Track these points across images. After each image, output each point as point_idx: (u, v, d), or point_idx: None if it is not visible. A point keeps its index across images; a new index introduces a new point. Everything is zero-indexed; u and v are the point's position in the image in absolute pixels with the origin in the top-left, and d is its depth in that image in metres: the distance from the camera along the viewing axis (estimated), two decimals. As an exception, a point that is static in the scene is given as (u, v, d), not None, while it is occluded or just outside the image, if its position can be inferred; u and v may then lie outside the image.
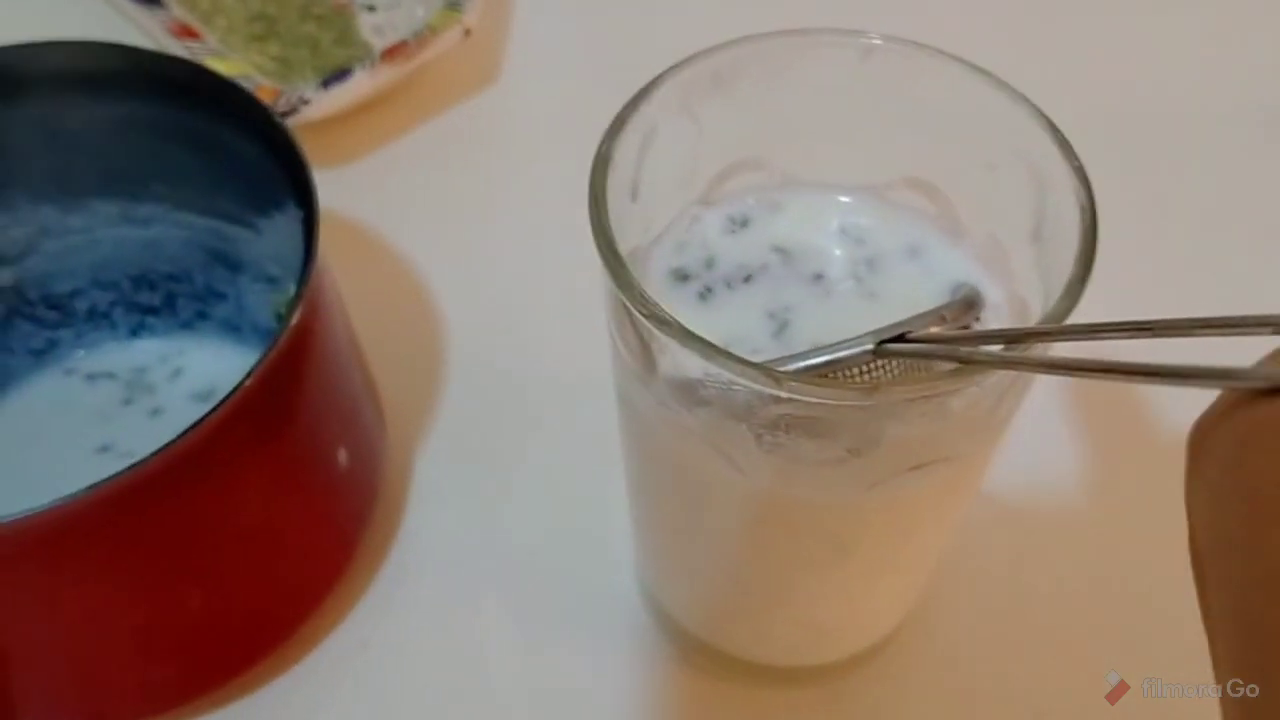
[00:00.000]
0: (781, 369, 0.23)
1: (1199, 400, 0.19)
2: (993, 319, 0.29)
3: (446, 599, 0.38)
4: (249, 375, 0.29)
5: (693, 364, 0.23)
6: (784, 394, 0.22)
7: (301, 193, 0.33)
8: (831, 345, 0.24)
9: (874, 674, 0.36)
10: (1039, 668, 0.36)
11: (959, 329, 0.26)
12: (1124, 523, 0.39)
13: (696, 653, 0.36)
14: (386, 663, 0.36)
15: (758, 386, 0.22)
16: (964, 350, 0.23)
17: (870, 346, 0.24)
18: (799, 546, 0.29)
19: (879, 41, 0.28)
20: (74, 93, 0.36)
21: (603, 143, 0.26)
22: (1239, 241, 0.48)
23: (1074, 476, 0.40)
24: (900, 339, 0.24)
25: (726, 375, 0.22)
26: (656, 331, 0.23)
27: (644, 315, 0.23)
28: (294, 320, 0.30)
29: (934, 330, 0.25)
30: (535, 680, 0.36)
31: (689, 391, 0.25)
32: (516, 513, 0.40)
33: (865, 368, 0.24)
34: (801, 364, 0.24)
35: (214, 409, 0.28)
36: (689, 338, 0.23)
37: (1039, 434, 0.37)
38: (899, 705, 0.36)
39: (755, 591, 0.31)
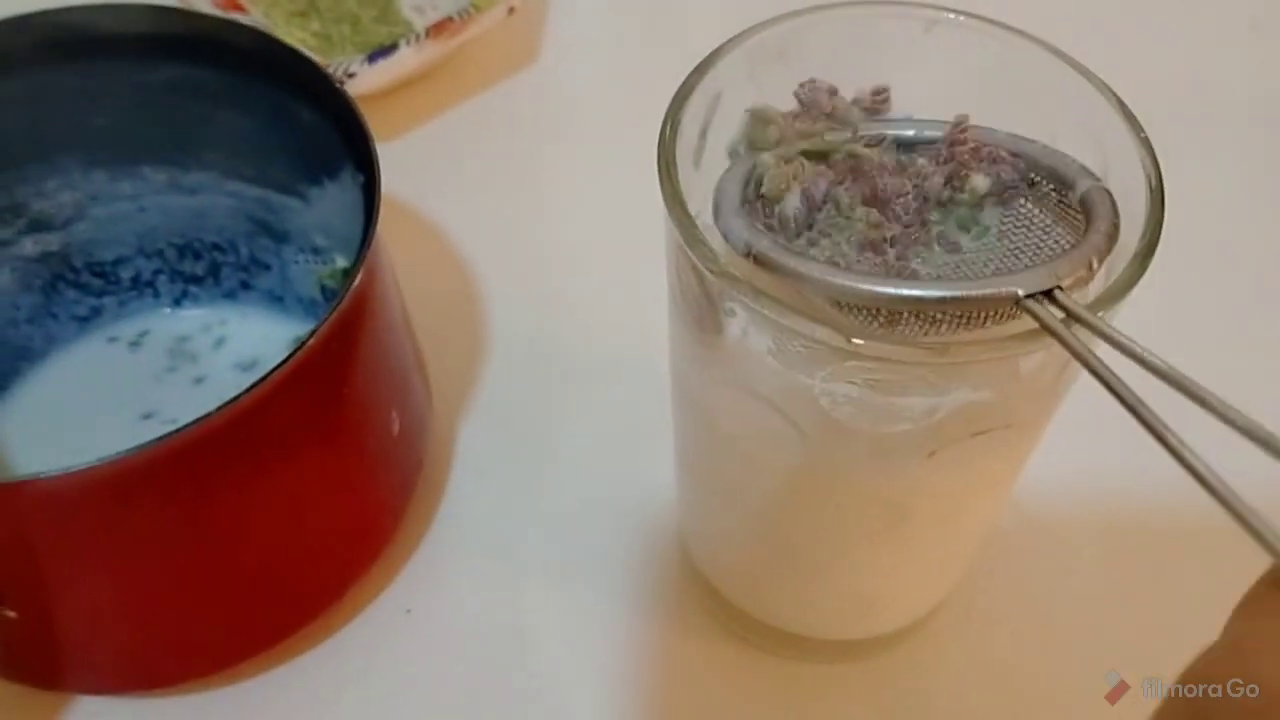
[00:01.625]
0: (897, 291, 0.23)
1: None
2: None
3: (489, 567, 0.38)
4: (311, 335, 0.29)
5: (764, 325, 0.23)
6: (854, 350, 0.23)
7: (360, 160, 0.34)
8: (975, 281, 0.24)
9: (909, 652, 0.36)
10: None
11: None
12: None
13: (739, 624, 0.36)
14: (430, 629, 0.37)
15: (830, 342, 0.23)
16: (1118, 336, 0.21)
17: (1018, 293, 0.23)
18: (855, 514, 0.29)
19: (944, 14, 0.29)
20: (131, 57, 0.37)
21: (671, 107, 0.27)
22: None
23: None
24: (1050, 295, 0.23)
25: (796, 334, 0.23)
26: (728, 290, 0.24)
27: (716, 275, 0.24)
28: (355, 284, 0.30)
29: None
30: (576, 649, 0.37)
31: (752, 351, 0.25)
32: (558, 482, 0.40)
33: (996, 313, 0.23)
34: (937, 293, 0.23)
35: (277, 367, 0.29)
36: (754, 292, 0.23)
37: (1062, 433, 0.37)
38: (938, 682, 0.36)
39: (805, 561, 0.32)
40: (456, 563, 0.38)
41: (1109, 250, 0.25)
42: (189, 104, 0.38)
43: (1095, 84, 0.27)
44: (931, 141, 0.28)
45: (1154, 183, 0.25)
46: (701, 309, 0.26)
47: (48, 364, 0.42)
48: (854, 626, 0.35)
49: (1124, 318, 0.25)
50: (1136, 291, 0.24)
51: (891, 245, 0.26)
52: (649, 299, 0.34)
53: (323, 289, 0.42)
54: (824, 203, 0.26)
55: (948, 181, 0.27)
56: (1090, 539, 0.39)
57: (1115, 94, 0.27)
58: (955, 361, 0.23)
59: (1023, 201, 0.27)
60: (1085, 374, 0.26)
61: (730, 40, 0.28)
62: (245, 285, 0.44)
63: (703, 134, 0.28)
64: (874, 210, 0.26)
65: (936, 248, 0.26)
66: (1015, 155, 0.27)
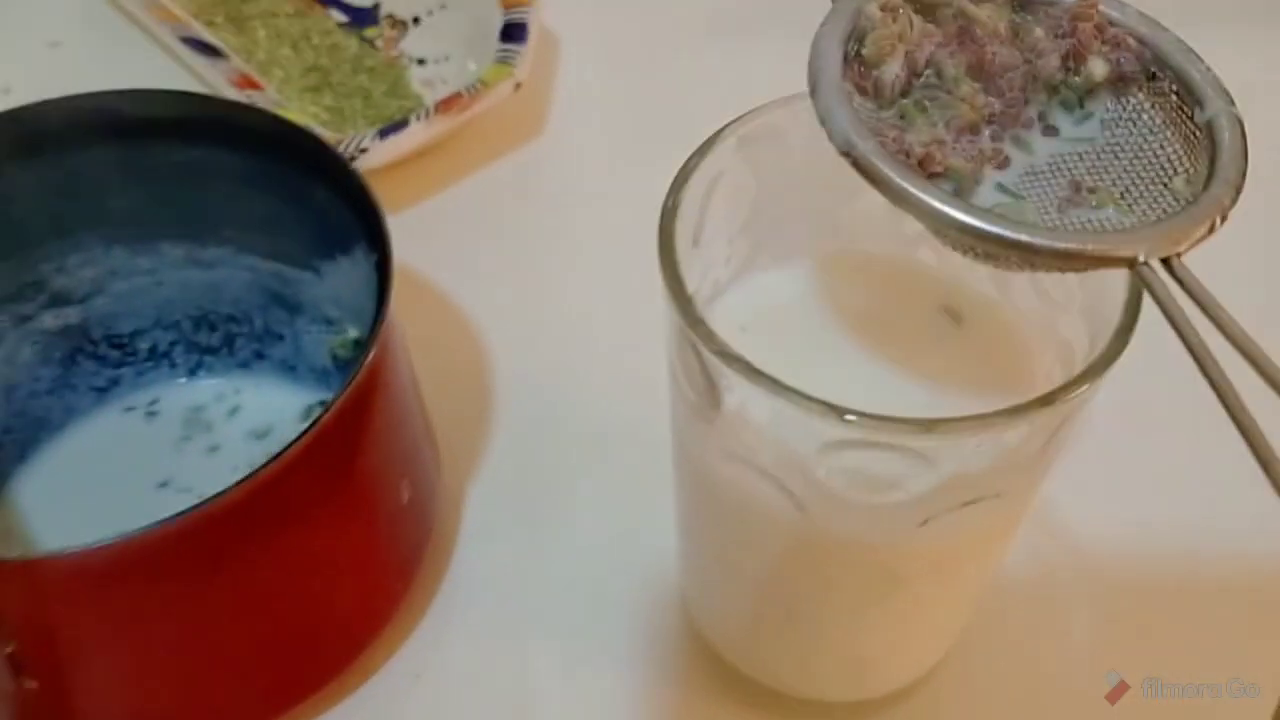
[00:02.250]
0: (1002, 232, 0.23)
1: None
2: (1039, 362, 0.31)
3: (496, 631, 0.39)
4: (326, 409, 0.30)
5: (761, 400, 0.25)
6: (846, 429, 0.24)
7: (372, 236, 0.35)
8: (1090, 236, 0.23)
9: (913, 710, 0.37)
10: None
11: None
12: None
13: (741, 687, 0.37)
14: (438, 694, 0.38)
15: (822, 420, 0.24)
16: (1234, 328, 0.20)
17: (1137, 257, 0.22)
18: (851, 580, 0.30)
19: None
20: (153, 139, 0.38)
21: (671, 189, 0.28)
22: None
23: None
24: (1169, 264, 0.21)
25: (792, 410, 0.24)
26: (725, 368, 0.25)
27: (713, 353, 0.25)
28: (369, 358, 0.32)
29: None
30: (582, 712, 0.37)
31: (751, 427, 0.26)
32: (564, 547, 0.41)
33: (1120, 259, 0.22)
34: (1047, 243, 0.22)
35: (294, 441, 0.30)
36: (753, 372, 0.24)
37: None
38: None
39: (803, 625, 0.33)
40: (464, 627, 0.39)
41: (1233, 204, 0.23)
42: (207, 183, 0.40)
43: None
44: (1053, 3, 0.26)
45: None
46: (699, 384, 0.27)
47: (66, 434, 0.43)
48: (854, 688, 0.36)
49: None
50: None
51: (989, 124, 0.25)
52: (652, 367, 0.35)
53: (334, 358, 0.44)
54: (926, 67, 0.25)
55: (1064, 61, 0.25)
56: (1084, 599, 0.40)
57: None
58: (944, 437, 0.24)
59: (1139, 95, 0.25)
60: (1073, 442, 0.27)
61: (729, 124, 0.29)
62: (259, 355, 0.45)
63: (702, 212, 0.29)
64: (976, 84, 0.25)
65: (1035, 130, 0.25)
66: (1142, 43, 0.25)
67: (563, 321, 0.48)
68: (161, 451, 0.43)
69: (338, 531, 0.34)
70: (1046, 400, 0.24)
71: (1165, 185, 0.25)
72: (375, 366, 0.32)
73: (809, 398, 0.24)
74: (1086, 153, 0.25)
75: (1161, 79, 0.25)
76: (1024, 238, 0.22)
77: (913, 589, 0.30)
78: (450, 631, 0.39)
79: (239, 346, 0.45)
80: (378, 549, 0.36)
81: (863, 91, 0.25)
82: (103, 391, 0.44)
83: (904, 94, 0.25)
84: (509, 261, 0.51)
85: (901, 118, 0.25)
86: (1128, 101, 0.25)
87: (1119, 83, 0.25)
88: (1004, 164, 0.25)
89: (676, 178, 0.28)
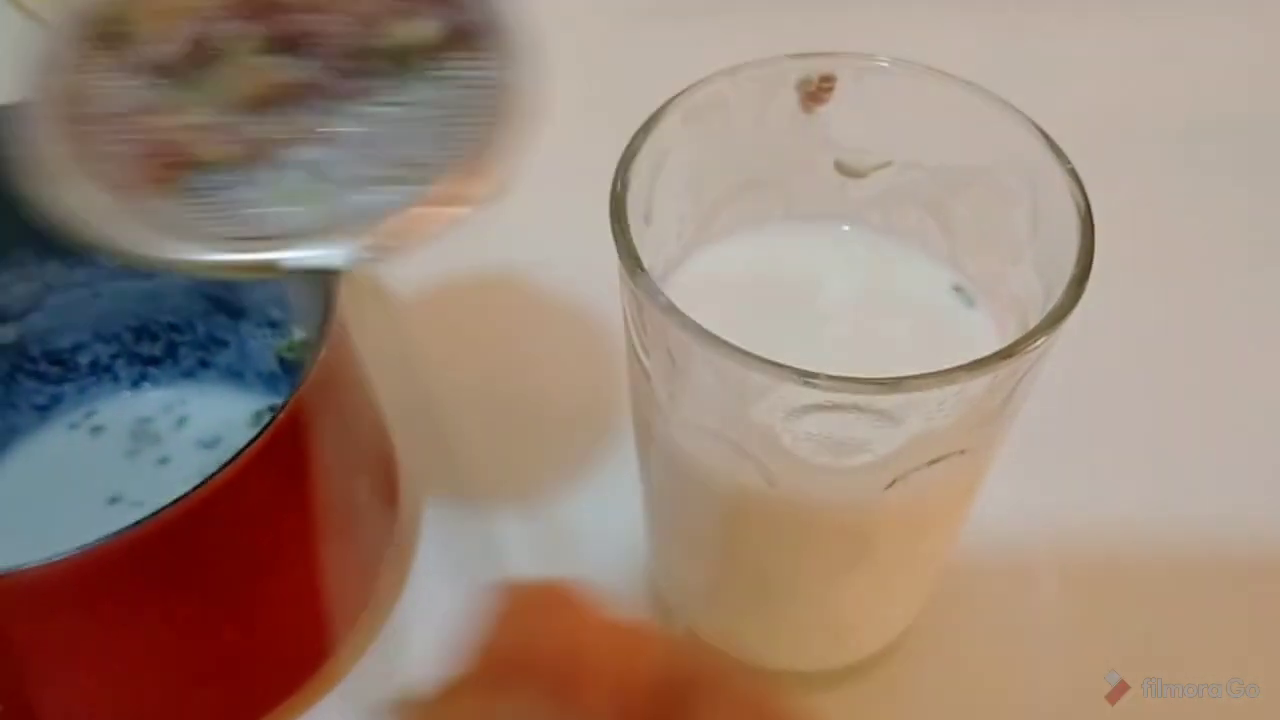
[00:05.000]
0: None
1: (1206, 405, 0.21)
2: (991, 323, 0.31)
3: (464, 623, 0.39)
4: (281, 408, 0.30)
5: (723, 369, 0.24)
6: (811, 392, 0.24)
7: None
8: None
9: (885, 677, 0.37)
10: (1039, 668, 0.37)
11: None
12: (1124, 522, 0.41)
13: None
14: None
15: (786, 385, 0.24)
16: None
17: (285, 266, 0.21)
18: (820, 548, 0.30)
19: (872, 62, 0.30)
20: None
21: (619, 167, 0.28)
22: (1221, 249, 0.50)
23: (1076, 476, 0.42)
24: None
25: (756, 377, 0.24)
26: (686, 339, 0.25)
27: (674, 325, 0.25)
28: (320, 354, 0.31)
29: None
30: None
31: (715, 397, 0.26)
32: (527, 536, 0.41)
33: None
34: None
35: (248, 445, 0.29)
36: (716, 342, 0.24)
37: (1040, 434, 0.38)
38: (908, 709, 0.37)
39: (773, 595, 0.33)
40: (431, 624, 0.39)
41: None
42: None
43: (1021, 120, 0.28)
44: None
45: (1083, 209, 0.27)
46: (659, 358, 0.27)
47: (10, 455, 0.42)
48: (826, 656, 0.36)
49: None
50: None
51: (301, 97, 0.22)
52: (606, 346, 0.35)
53: (281, 361, 0.43)
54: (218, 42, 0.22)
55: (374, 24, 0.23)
56: (1047, 545, 0.40)
57: (1039, 127, 0.28)
58: (908, 394, 0.24)
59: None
60: (1034, 398, 0.27)
61: (673, 98, 0.29)
62: (204, 363, 0.44)
63: (651, 189, 0.29)
64: (284, 56, 0.23)
65: (356, 101, 0.23)
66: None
67: (510, 306, 0.48)
68: (110, 466, 0.42)
69: (296, 535, 0.33)
70: (1007, 353, 0.24)
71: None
72: (327, 362, 0.32)
73: (772, 363, 0.24)
74: (408, 121, 0.23)
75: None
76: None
77: (882, 552, 0.30)
78: (419, 627, 0.38)
79: (182, 355, 0.44)
80: (338, 550, 0.36)
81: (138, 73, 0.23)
82: (44, 409, 0.43)
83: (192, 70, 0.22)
84: (452, 252, 0.50)
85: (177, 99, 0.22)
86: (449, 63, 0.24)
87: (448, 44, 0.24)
88: (314, 140, 0.22)
89: (624, 155, 0.28)
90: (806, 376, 0.24)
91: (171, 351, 0.44)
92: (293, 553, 0.34)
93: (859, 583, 0.32)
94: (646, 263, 0.27)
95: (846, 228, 0.33)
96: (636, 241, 0.27)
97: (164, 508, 0.28)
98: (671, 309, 0.25)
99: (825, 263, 0.33)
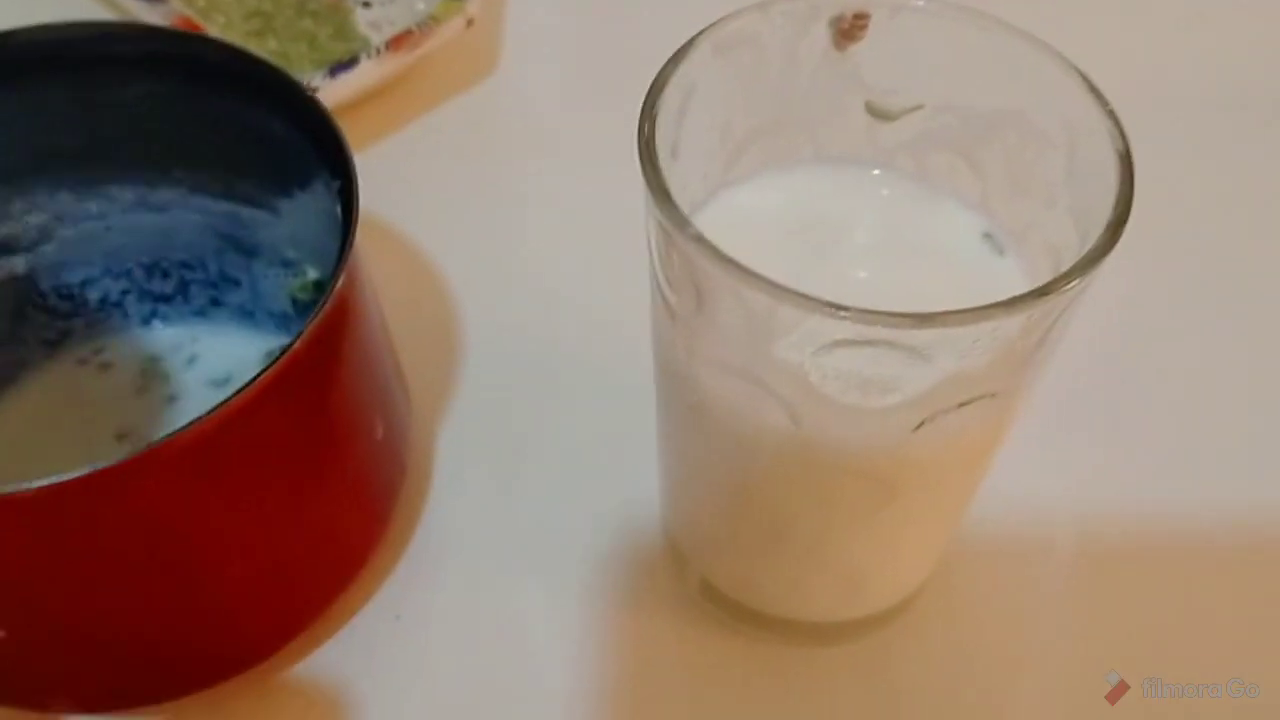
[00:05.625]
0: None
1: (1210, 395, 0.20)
2: (1020, 272, 0.31)
3: (475, 569, 0.38)
4: (296, 339, 0.29)
5: (753, 301, 0.24)
6: (841, 326, 0.23)
7: (333, 167, 0.34)
8: None
9: (898, 631, 0.37)
10: (1039, 668, 0.37)
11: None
12: (1123, 522, 0.40)
13: (727, 611, 0.37)
14: (420, 634, 0.37)
15: (816, 318, 0.23)
16: None
17: None
18: (843, 492, 0.30)
19: (909, 1, 0.29)
20: (95, 75, 0.37)
21: (647, 100, 0.27)
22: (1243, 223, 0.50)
23: (1075, 476, 0.41)
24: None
25: (786, 310, 0.24)
26: (714, 270, 0.24)
27: (703, 255, 0.24)
28: (338, 285, 0.31)
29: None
30: (566, 645, 0.37)
31: (741, 332, 0.26)
32: (541, 482, 0.40)
33: None
34: None
35: (262, 372, 0.29)
36: (745, 273, 0.24)
37: (1048, 427, 0.38)
38: (930, 659, 0.37)
39: (793, 543, 0.32)
40: (443, 566, 0.38)
41: None
42: (156, 121, 0.38)
43: (1058, 61, 0.28)
44: None
45: (1122, 151, 0.26)
46: (685, 291, 0.26)
47: (18, 389, 0.42)
48: (843, 608, 0.36)
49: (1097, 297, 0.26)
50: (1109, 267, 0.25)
51: None
52: (621, 298, 0.34)
53: (294, 302, 0.43)
54: None
55: None
56: (1047, 553, 0.40)
57: (1079, 69, 0.28)
58: (940, 330, 0.23)
59: None
60: (1068, 343, 0.27)
61: (704, 30, 0.28)
62: (215, 302, 0.44)
63: (678, 124, 0.29)
64: None
65: None
66: None
67: (526, 256, 0.48)
68: (118, 403, 0.42)
69: (311, 470, 0.33)
70: (1042, 291, 0.24)
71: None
72: (343, 297, 0.31)
73: (802, 294, 0.23)
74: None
75: None
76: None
77: (904, 500, 0.30)
78: (430, 571, 0.38)
79: (194, 294, 0.44)
80: (352, 487, 0.35)
81: None
82: (54, 344, 0.43)
83: None
84: (467, 201, 0.50)
85: None
86: None
87: None
88: None
89: (653, 85, 0.27)
90: (836, 309, 0.23)
91: (183, 289, 0.44)
92: (307, 486, 0.34)
93: (878, 532, 0.32)
94: (675, 197, 0.26)
95: (877, 171, 0.32)
96: (665, 174, 0.26)
97: (166, 436, 0.27)
98: (700, 239, 0.24)
99: (853, 207, 0.32)
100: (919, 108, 0.31)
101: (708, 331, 0.27)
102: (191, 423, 0.28)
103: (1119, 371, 0.43)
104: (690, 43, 0.28)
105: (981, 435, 0.29)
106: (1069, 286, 0.24)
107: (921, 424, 0.26)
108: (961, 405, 0.26)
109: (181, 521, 0.31)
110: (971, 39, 0.29)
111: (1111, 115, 0.27)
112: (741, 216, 0.31)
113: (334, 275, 0.31)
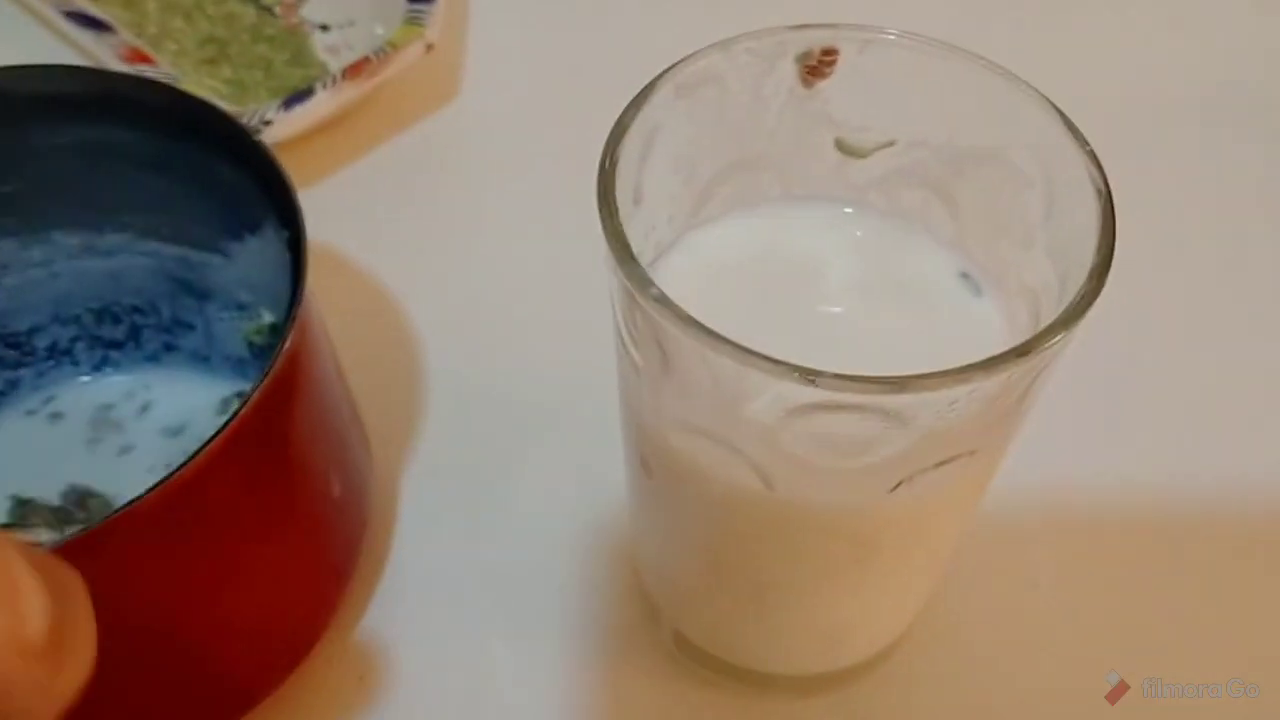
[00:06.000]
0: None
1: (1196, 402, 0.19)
2: (998, 312, 0.30)
3: (441, 623, 0.37)
4: (244, 402, 0.28)
5: (719, 366, 0.23)
6: (814, 391, 0.22)
7: (284, 212, 0.33)
8: None
9: (880, 681, 0.36)
10: (1039, 668, 0.37)
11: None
12: (1122, 522, 0.40)
13: (702, 663, 0.36)
14: (384, 695, 0.36)
15: (788, 384, 0.22)
16: None
17: None
18: (819, 551, 0.29)
19: (877, 34, 0.28)
20: (35, 120, 0.35)
21: (608, 145, 0.26)
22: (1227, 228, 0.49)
23: (1076, 475, 0.40)
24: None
25: (755, 375, 0.22)
26: (679, 334, 0.23)
27: (666, 318, 0.23)
28: (287, 343, 0.29)
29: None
30: (537, 698, 0.36)
31: (709, 394, 0.25)
32: (507, 530, 0.39)
33: None
34: None
35: (210, 440, 0.27)
36: (711, 336, 0.23)
37: (1042, 432, 0.37)
38: (907, 712, 0.36)
39: (769, 599, 0.31)
40: (407, 622, 0.37)
41: None
42: (100, 165, 0.37)
43: (1035, 98, 0.27)
44: None
45: (1102, 191, 0.25)
46: (651, 352, 0.25)
47: (-35, 443, 0.40)
48: (821, 660, 0.35)
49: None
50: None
51: None
52: (587, 336, 0.33)
53: (250, 346, 0.41)
54: None
55: None
56: (1047, 545, 0.39)
57: (1056, 107, 0.27)
58: (918, 394, 0.22)
59: None
60: (1046, 394, 0.26)
61: (666, 71, 0.27)
62: (168, 347, 0.42)
63: (641, 168, 0.28)
64: None
65: None
66: None
67: (489, 293, 0.46)
68: (70, 456, 0.40)
69: (265, 534, 0.32)
70: (1022, 351, 0.23)
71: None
72: (294, 352, 0.30)
73: (773, 360, 0.22)
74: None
75: None
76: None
77: (883, 556, 0.29)
78: (393, 628, 0.37)
79: (146, 339, 0.42)
80: (310, 549, 0.34)
81: None
82: (1, 395, 0.41)
83: None
84: (428, 234, 0.48)
85: None
86: None
87: None
88: None
89: (613, 131, 0.26)
90: (809, 375, 0.22)
91: (135, 335, 0.42)
92: (262, 552, 0.32)
93: (857, 587, 0.30)
94: (635, 247, 0.25)
95: (848, 210, 0.31)
96: (625, 225, 0.25)
97: (119, 509, 0.26)
98: (664, 301, 0.23)
99: (824, 247, 0.31)
100: (891, 144, 0.30)
101: (675, 392, 0.26)
102: (134, 500, 0.26)
103: (1109, 373, 0.42)
104: (651, 85, 0.27)
105: (962, 491, 0.28)
106: (1052, 343, 0.23)
107: (899, 484, 0.25)
108: (940, 465, 0.25)
109: (130, 596, 0.29)
110: (944, 74, 0.28)
111: (1091, 156, 0.26)
112: (710, 259, 0.30)
113: (282, 335, 0.29)
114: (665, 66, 0.28)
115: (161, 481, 0.27)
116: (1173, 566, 0.39)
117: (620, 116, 0.26)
